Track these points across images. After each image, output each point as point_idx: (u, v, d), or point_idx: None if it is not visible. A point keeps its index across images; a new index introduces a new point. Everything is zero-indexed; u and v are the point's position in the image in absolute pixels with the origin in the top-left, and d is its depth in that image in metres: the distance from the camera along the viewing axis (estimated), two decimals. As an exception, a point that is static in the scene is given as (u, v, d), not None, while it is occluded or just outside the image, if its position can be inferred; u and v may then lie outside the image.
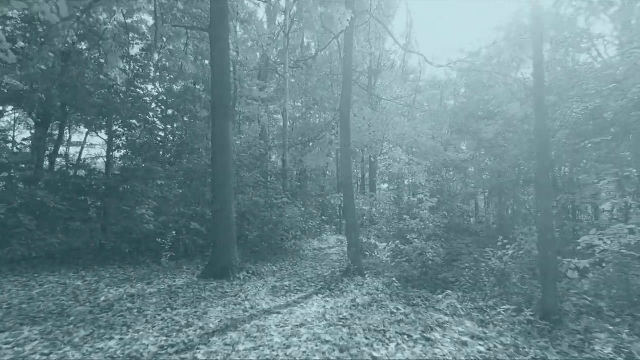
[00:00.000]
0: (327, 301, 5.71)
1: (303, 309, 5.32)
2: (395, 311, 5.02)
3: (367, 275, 7.40)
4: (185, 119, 13.35)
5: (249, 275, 7.46)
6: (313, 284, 7.03)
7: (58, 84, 9.33)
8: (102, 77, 9.47)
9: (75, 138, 19.36)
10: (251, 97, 15.71)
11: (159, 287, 6.45)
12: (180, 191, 11.66)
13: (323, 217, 18.75)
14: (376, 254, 7.97)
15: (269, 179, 14.72)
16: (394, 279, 6.50)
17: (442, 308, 5.11)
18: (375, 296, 5.92)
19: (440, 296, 5.32)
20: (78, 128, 13.61)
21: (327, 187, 23.05)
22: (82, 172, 11.08)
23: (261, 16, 20.02)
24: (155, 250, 9.14)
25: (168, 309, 5.10)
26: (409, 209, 12.59)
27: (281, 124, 19.12)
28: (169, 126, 13.68)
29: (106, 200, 10.20)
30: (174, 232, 8.47)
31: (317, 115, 23.51)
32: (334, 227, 20.51)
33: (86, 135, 13.39)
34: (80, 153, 13.50)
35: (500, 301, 5.31)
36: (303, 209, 14.20)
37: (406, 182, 15.50)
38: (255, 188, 13.10)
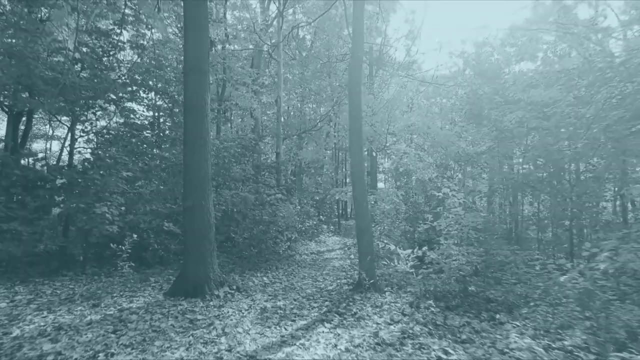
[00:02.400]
0: (339, 335, 4.02)
1: (305, 349, 3.63)
2: (443, 356, 3.37)
3: (386, 292, 5.73)
4: (162, 102, 11.55)
5: (232, 291, 5.74)
6: (316, 305, 5.33)
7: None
8: (46, 53, 7.59)
9: (57, 133, 17.22)
10: (241, 82, 14.01)
11: (105, 312, 4.70)
12: (162, 187, 9.92)
13: (321, 217, 17.09)
14: (396, 262, 6.34)
15: (261, 173, 13.04)
16: (431, 301, 4.85)
17: (512, 350, 3.47)
18: (405, 326, 4.25)
19: (511, 335, 3.69)
20: (60, 120, 11.60)
21: (323, 184, 21.46)
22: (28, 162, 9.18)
23: (254, 5, 19.31)
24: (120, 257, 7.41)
25: (101, 355, 3.38)
26: (416, 208, 11.02)
27: (275, 118, 17.63)
28: (146, 112, 11.88)
29: (64, 196, 8.41)
30: (134, 235, 6.73)
31: (313, 107, 21.98)
32: (332, 227, 18.91)
33: (68, 131, 11.41)
34: (61, 150, 11.46)
35: (589, 337, 3.69)
36: (299, 207, 12.53)
37: (412, 178, 14.03)
38: (244, 183, 11.39)
